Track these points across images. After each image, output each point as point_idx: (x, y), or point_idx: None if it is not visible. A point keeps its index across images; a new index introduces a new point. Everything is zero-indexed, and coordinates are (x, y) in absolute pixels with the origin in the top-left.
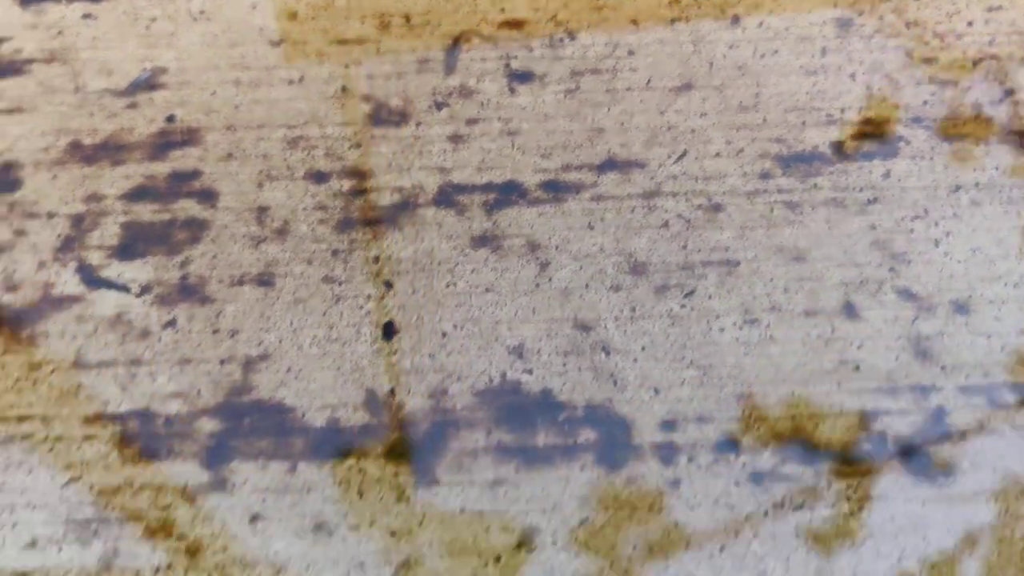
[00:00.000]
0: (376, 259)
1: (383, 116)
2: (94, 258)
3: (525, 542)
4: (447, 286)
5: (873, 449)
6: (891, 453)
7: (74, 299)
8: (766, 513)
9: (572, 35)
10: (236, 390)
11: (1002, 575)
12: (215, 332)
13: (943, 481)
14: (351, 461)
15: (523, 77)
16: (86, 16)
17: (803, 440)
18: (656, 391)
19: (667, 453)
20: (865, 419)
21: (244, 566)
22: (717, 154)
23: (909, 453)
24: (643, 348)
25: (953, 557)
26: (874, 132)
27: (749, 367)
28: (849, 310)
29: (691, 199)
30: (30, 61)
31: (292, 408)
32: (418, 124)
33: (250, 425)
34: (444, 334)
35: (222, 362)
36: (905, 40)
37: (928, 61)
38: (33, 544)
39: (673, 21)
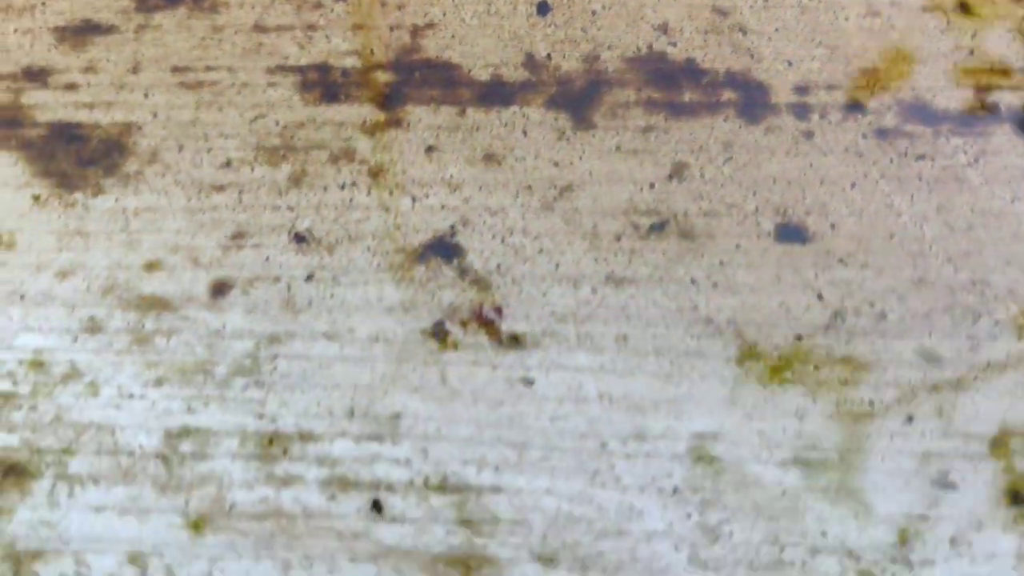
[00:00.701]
0: None
1: None
2: None
3: (676, 174)
4: None
5: (987, 116)
6: (1004, 119)
7: None
8: (891, 160)
9: None
10: (406, 50)
11: None
12: (383, 5)
13: None
14: (514, 108)
15: None
16: None
17: (923, 106)
18: (789, 63)
19: (801, 111)
20: (980, 91)
21: (422, 185)
22: None
23: (1021, 121)
24: (776, 30)
25: None
26: None
27: (872, 48)
28: (964, 8)
29: None
30: None
31: (458, 65)
32: None
33: (421, 78)
34: (593, 12)
35: (392, 28)
36: None
37: None
38: (228, 164)
39: None
